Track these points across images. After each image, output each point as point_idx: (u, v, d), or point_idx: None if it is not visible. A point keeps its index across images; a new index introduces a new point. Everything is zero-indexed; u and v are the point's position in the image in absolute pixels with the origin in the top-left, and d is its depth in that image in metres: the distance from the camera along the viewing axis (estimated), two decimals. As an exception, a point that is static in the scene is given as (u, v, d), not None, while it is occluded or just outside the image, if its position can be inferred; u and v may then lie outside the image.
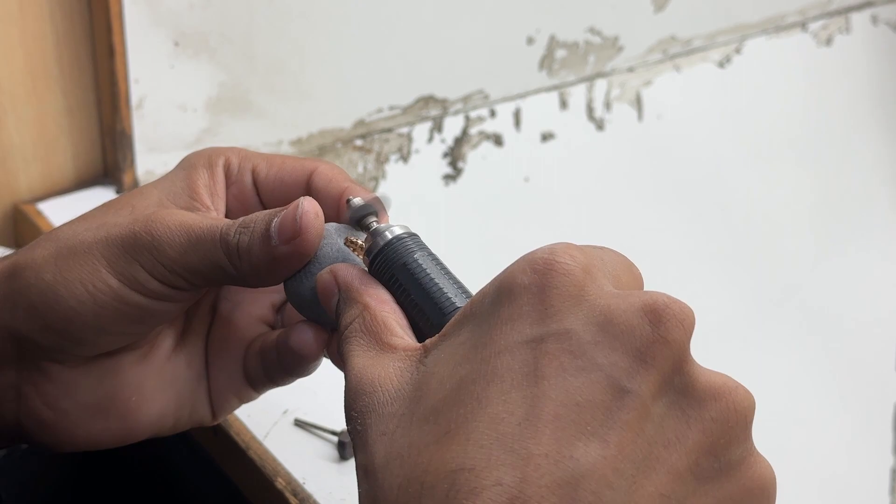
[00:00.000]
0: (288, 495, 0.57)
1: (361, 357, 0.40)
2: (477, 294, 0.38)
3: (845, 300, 1.20)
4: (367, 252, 0.44)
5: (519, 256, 0.37)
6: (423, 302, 0.42)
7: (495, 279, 0.37)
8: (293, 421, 0.61)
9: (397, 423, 0.36)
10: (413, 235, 0.44)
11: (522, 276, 0.36)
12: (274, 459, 0.58)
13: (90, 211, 0.49)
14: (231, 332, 0.51)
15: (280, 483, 0.57)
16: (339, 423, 0.60)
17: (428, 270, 0.42)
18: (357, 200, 0.45)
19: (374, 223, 0.45)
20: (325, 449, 0.60)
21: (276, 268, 0.45)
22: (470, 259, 0.91)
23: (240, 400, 0.52)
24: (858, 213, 1.25)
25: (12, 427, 0.48)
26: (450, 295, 0.42)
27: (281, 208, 0.45)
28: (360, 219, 0.45)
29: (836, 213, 1.22)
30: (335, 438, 0.60)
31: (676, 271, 1.06)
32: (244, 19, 0.79)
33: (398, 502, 0.34)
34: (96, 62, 0.76)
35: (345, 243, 0.45)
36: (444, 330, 0.38)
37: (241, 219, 0.45)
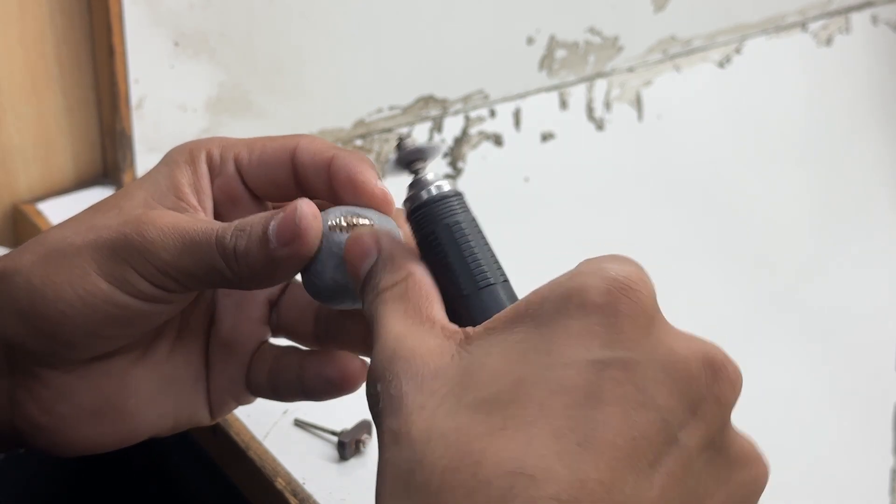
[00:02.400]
0: (288, 495, 0.57)
1: (399, 322, 0.39)
2: (533, 295, 0.37)
3: (845, 300, 1.20)
4: (410, 200, 0.42)
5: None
6: (459, 268, 0.41)
7: (559, 284, 0.37)
8: (293, 421, 0.61)
9: (439, 402, 0.36)
10: (460, 195, 0.42)
11: (596, 293, 0.36)
12: (274, 459, 0.58)
13: (77, 214, 0.48)
14: (232, 333, 0.51)
15: (280, 483, 0.57)
16: (339, 423, 0.60)
17: (470, 237, 0.41)
18: (409, 141, 0.43)
19: (423, 171, 0.43)
20: (325, 449, 0.60)
21: (274, 270, 0.44)
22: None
23: (237, 403, 0.52)
24: (858, 213, 1.25)
25: (7, 432, 0.48)
26: (485, 268, 0.41)
27: (276, 210, 0.44)
28: (409, 162, 0.43)
29: (836, 213, 1.22)
30: (335, 438, 0.60)
31: (676, 271, 1.06)
32: (244, 19, 0.79)
33: (445, 484, 0.34)
34: (96, 62, 0.76)
35: (330, 228, 0.44)
36: (492, 324, 0.38)
37: (236, 222, 0.45)
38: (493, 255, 0.41)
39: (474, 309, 0.41)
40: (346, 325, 0.50)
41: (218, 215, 0.49)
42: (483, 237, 0.42)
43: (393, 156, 0.44)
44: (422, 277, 0.41)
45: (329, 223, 0.45)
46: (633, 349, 0.35)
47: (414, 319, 0.39)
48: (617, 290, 0.36)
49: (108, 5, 0.72)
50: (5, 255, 0.47)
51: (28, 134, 0.76)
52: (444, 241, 0.41)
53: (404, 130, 0.92)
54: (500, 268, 0.41)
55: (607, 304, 0.35)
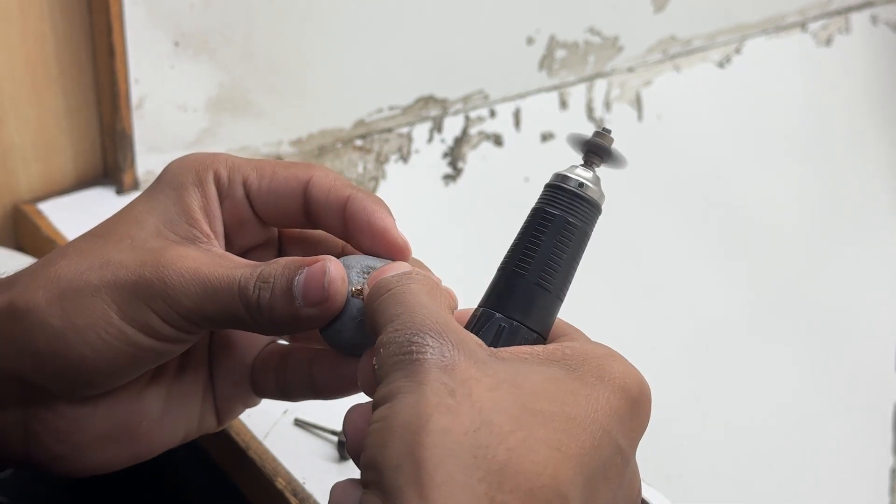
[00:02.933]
0: (288, 495, 0.57)
1: (431, 301, 0.40)
2: (569, 349, 0.40)
3: (845, 300, 1.20)
4: (561, 177, 0.43)
5: (606, 346, 0.41)
6: (540, 255, 0.42)
7: (597, 356, 0.40)
8: (293, 421, 0.61)
9: (495, 386, 0.38)
10: (597, 210, 0.43)
11: (634, 385, 0.40)
12: (274, 459, 0.58)
13: (85, 241, 0.47)
14: (234, 344, 0.51)
15: (280, 483, 0.57)
16: (339, 423, 0.60)
17: (570, 244, 0.42)
18: (611, 137, 0.44)
19: (593, 166, 0.44)
20: (325, 449, 0.60)
21: (298, 326, 0.44)
22: (470, 259, 0.91)
23: (245, 406, 0.52)
24: (858, 213, 1.25)
25: (21, 459, 0.48)
26: (557, 274, 0.42)
27: (299, 262, 0.44)
28: (594, 151, 0.44)
29: (836, 213, 1.22)
30: (335, 438, 0.60)
31: (676, 271, 1.06)
32: (244, 19, 0.79)
33: (510, 465, 0.36)
34: (96, 62, 0.76)
35: (353, 294, 0.44)
36: (522, 354, 0.40)
37: (259, 271, 0.44)
38: (571, 273, 0.43)
39: (519, 294, 0.42)
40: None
41: (225, 237, 0.48)
42: (579, 254, 0.43)
43: (589, 136, 0.44)
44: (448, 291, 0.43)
45: (351, 288, 0.45)
46: (631, 447, 0.40)
47: (443, 308, 0.40)
48: (645, 393, 0.41)
49: (108, 5, 0.72)
50: (12, 286, 0.46)
51: (28, 134, 0.76)
52: (549, 227, 0.43)
53: (404, 130, 0.92)
54: (566, 286, 0.43)
55: (637, 401, 0.40)
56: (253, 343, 0.51)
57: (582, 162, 0.44)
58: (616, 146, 0.44)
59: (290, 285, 0.44)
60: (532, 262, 0.42)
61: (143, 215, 0.47)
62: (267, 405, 0.61)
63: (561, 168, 0.44)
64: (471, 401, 0.37)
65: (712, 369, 1.08)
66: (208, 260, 0.45)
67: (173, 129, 0.80)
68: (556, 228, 0.42)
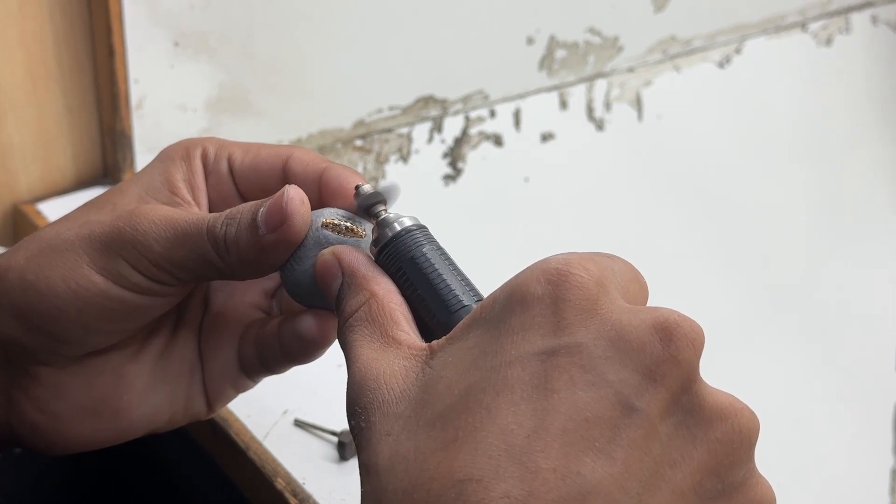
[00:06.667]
0: (288, 495, 0.57)
1: (366, 349, 0.39)
2: (487, 298, 0.37)
3: (845, 300, 1.20)
4: (375, 242, 0.43)
5: (528, 262, 0.37)
6: (431, 298, 0.41)
7: (506, 285, 0.37)
8: (293, 421, 0.61)
9: (403, 425, 0.36)
10: (422, 228, 0.43)
11: (536, 285, 0.36)
12: (274, 459, 0.58)
13: (72, 211, 0.48)
14: (224, 321, 0.51)
15: (280, 483, 0.57)
16: (339, 424, 0.60)
17: (437, 265, 0.42)
18: (366, 188, 0.45)
19: (383, 212, 0.44)
20: (325, 449, 0.60)
21: (263, 258, 0.44)
22: (470, 259, 0.91)
23: (235, 390, 0.51)
24: (858, 213, 1.25)
25: (3, 432, 0.48)
26: (457, 292, 0.41)
27: (267, 198, 0.44)
28: (368, 207, 0.44)
29: (836, 213, 1.22)
30: (335, 438, 0.60)
31: (676, 271, 1.06)
32: (244, 19, 0.79)
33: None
34: (96, 62, 0.76)
35: (322, 226, 0.44)
36: (451, 333, 0.38)
37: (226, 211, 0.45)
38: (463, 278, 0.42)
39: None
40: None
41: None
42: (450, 262, 0.42)
43: (360, 199, 0.44)
44: (385, 296, 0.41)
45: (321, 220, 0.45)
46: (576, 333, 0.35)
47: (380, 343, 0.39)
48: (554, 279, 0.36)
49: (108, 5, 0.72)
50: (1, 254, 0.47)
51: (28, 134, 0.76)
52: (412, 274, 0.42)
53: (404, 130, 0.92)
54: (472, 288, 0.42)
55: (545, 295, 0.35)
56: (241, 320, 0.51)
57: (378, 218, 0.44)
58: (382, 185, 0.45)
59: (255, 217, 0.44)
60: (434, 306, 0.41)
61: (128, 185, 0.48)
62: (267, 406, 0.61)
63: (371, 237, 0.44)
64: (377, 471, 0.35)
65: (711, 369, 1.08)
66: (181, 210, 0.46)
67: (173, 129, 0.80)
68: (415, 271, 0.41)
